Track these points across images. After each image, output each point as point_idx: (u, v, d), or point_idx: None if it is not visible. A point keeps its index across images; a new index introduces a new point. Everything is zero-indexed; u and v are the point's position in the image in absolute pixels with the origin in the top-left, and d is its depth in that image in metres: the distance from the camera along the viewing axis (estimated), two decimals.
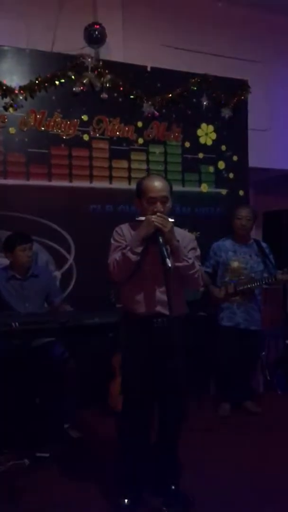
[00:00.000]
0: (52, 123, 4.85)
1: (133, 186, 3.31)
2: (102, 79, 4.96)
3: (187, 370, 3.06)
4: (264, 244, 5.04)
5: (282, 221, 5.84)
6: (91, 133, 5.00)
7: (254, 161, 5.78)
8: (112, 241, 3.12)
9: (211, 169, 5.55)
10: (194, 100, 5.44)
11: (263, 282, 4.81)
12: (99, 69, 4.95)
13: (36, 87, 4.74)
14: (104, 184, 5.07)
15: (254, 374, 5.28)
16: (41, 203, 4.78)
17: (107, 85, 4.99)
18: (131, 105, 5.14)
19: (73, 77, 4.87)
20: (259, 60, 6.06)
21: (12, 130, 4.70)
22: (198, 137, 5.49)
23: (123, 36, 5.44)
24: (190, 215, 5.35)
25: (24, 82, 4.72)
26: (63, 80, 4.84)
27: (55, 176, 4.87)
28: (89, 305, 4.39)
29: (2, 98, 4.65)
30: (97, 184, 5.04)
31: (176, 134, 5.37)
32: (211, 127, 5.53)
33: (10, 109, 4.68)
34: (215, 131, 5.54)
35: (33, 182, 4.79)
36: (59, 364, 4.00)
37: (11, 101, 4.66)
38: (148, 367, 3.01)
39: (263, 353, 5.45)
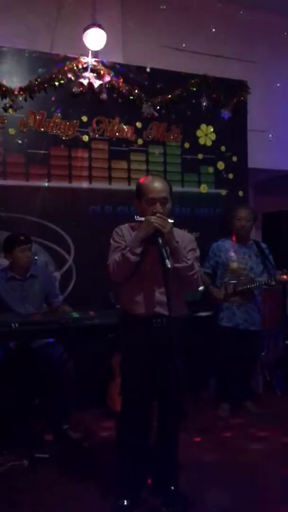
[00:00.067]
0: (52, 124, 4.86)
1: (133, 186, 3.31)
2: (101, 80, 4.97)
3: (187, 370, 3.06)
4: (263, 245, 5.05)
5: (281, 221, 5.85)
6: (91, 134, 5.01)
7: (253, 161, 5.78)
8: (112, 242, 3.12)
9: (211, 169, 5.56)
10: (194, 100, 5.45)
11: (263, 283, 4.81)
12: (98, 70, 4.95)
13: (35, 88, 4.75)
14: (103, 185, 5.08)
15: (254, 374, 5.28)
16: (41, 204, 4.78)
17: (107, 86, 5.00)
18: (130, 106, 5.14)
19: (72, 78, 4.88)
20: (259, 61, 6.05)
21: (11, 131, 4.71)
22: (198, 137, 5.50)
23: (123, 37, 5.43)
24: (189, 215, 5.35)
25: (23, 83, 4.73)
26: (62, 81, 4.85)
27: (55, 177, 4.88)
28: (89, 306, 4.40)
29: (2, 99, 4.66)
30: (96, 185, 5.04)
31: (176, 134, 5.38)
32: (210, 128, 5.54)
33: (10, 110, 4.69)
34: (214, 131, 5.55)
35: (32, 183, 4.79)
36: (58, 364, 4.00)
37: (11, 102, 4.67)
38: (148, 367, 3.01)
39: (263, 353, 5.45)
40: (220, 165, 5.59)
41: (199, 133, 5.50)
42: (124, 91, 5.08)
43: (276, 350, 5.71)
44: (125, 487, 3.08)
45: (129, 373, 3.09)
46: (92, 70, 4.94)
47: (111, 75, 5.01)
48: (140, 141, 5.22)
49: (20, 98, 4.70)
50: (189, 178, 5.45)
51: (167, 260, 2.84)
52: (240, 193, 5.67)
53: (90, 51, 5.03)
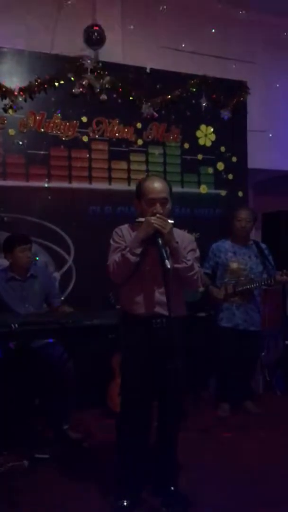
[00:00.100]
0: (52, 125, 4.86)
1: (133, 187, 3.31)
2: (101, 80, 4.98)
3: (187, 370, 3.07)
4: (263, 245, 5.05)
5: (281, 222, 5.85)
6: (91, 135, 5.01)
7: (253, 162, 5.79)
8: (112, 242, 3.12)
9: (210, 170, 5.56)
10: (193, 101, 5.45)
11: (262, 283, 4.81)
12: (98, 71, 4.96)
13: (35, 88, 4.75)
14: (103, 185, 5.08)
15: (254, 374, 5.28)
16: (41, 205, 4.79)
17: (106, 86, 5.01)
18: (130, 107, 5.15)
19: (72, 78, 4.88)
20: (258, 62, 6.06)
21: (11, 131, 4.71)
22: (197, 138, 5.50)
23: (122, 37, 5.44)
24: (189, 216, 5.36)
25: (23, 83, 4.73)
26: (62, 82, 4.85)
27: (55, 177, 4.88)
28: (89, 306, 4.40)
29: (2, 100, 4.67)
30: (96, 185, 5.05)
31: (175, 135, 5.38)
32: (210, 128, 5.54)
33: (10, 111, 4.69)
34: (214, 132, 5.55)
35: (32, 183, 4.80)
36: (58, 365, 4.00)
37: (11, 103, 4.67)
38: (148, 367, 3.02)
39: (263, 353, 5.45)
40: (220, 166, 5.59)
41: (198, 133, 5.50)
42: (124, 91, 5.09)
43: (276, 350, 5.72)
44: (125, 487, 3.09)
45: (129, 373, 3.09)
46: (92, 71, 4.94)
47: (111, 75, 5.01)
48: (140, 142, 5.22)
49: (20, 99, 4.71)
50: (189, 178, 5.45)
51: (166, 261, 2.84)
52: (240, 194, 5.67)
53: (90, 52, 5.04)
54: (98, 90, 4.98)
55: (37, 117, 4.80)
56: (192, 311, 4.36)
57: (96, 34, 5.06)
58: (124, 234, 3.11)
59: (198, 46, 5.74)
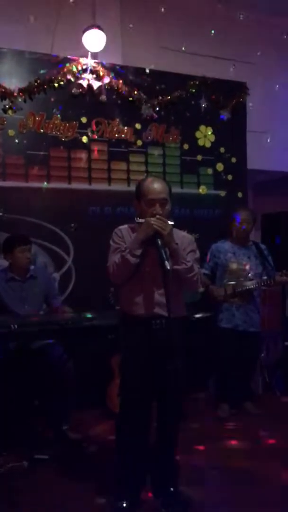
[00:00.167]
0: (51, 125, 4.86)
1: (132, 188, 3.32)
2: (101, 81, 4.98)
3: (187, 371, 3.07)
4: (262, 246, 5.05)
5: (280, 222, 5.85)
6: (90, 135, 5.02)
7: (252, 163, 5.79)
8: (112, 243, 3.12)
9: (210, 171, 5.56)
10: (193, 102, 5.46)
11: (262, 284, 4.82)
12: (98, 72, 4.96)
13: (35, 89, 4.76)
14: (103, 186, 5.09)
15: (253, 375, 5.28)
16: (40, 205, 4.79)
17: (106, 87, 5.01)
18: (129, 107, 5.15)
19: (72, 79, 4.89)
20: (258, 63, 6.07)
21: (11, 132, 4.72)
22: (197, 139, 5.51)
23: (122, 38, 5.44)
24: (188, 217, 5.36)
25: (23, 84, 4.74)
26: (62, 83, 4.86)
27: (54, 178, 4.88)
28: (88, 307, 4.40)
29: (1, 100, 4.68)
30: (96, 186, 5.05)
31: (175, 136, 5.39)
32: (209, 129, 5.55)
33: (9, 112, 4.70)
34: (213, 133, 5.56)
35: (32, 184, 4.80)
36: (58, 365, 4.00)
37: (10, 103, 4.69)
38: (148, 368, 3.02)
39: (262, 354, 5.46)
40: (219, 166, 5.59)
41: (198, 134, 5.51)
42: (123, 92, 5.10)
43: (275, 351, 5.72)
44: (125, 487, 3.08)
45: (129, 373, 3.09)
46: (92, 72, 4.95)
47: (110, 76, 5.03)
48: (139, 142, 5.23)
49: (20, 100, 4.71)
50: (188, 179, 5.46)
51: (166, 262, 2.84)
52: (239, 194, 5.68)
53: (89, 53, 5.05)
54: (97, 91, 4.98)
55: (37, 118, 4.81)
56: (192, 312, 4.37)
57: (95, 34, 5.07)
58: (124, 234, 3.10)
59: (198, 47, 5.75)
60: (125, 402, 3.10)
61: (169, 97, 5.29)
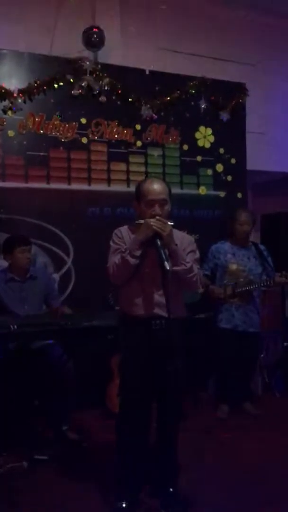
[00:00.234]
0: (51, 126, 4.87)
1: (132, 188, 3.32)
2: (100, 82, 4.98)
3: (186, 371, 3.07)
4: (262, 247, 5.05)
5: (280, 223, 5.85)
6: (90, 136, 5.02)
7: (252, 163, 5.80)
8: (111, 244, 3.13)
9: (209, 171, 5.57)
10: (192, 103, 5.46)
11: (262, 285, 4.82)
12: (97, 72, 4.97)
13: (34, 90, 4.76)
14: (102, 187, 5.09)
15: (253, 376, 5.28)
16: (40, 206, 4.80)
17: (106, 88, 5.01)
18: (129, 108, 5.15)
19: (71, 80, 4.89)
20: (257, 63, 6.08)
21: (11, 133, 4.72)
22: (196, 139, 5.51)
23: (122, 39, 5.46)
24: (188, 217, 5.37)
25: (22, 85, 4.74)
26: (61, 83, 4.85)
27: (54, 178, 4.89)
28: (88, 307, 4.41)
29: (1, 101, 4.67)
30: (95, 186, 5.05)
31: (174, 137, 5.39)
32: (209, 130, 5.55)
33: (9, 112, 4.70)
34: (213, 134, 5.56)
35: (31, 184, 4.80)
36: (58, 365, 4.01)
37: (10, 104, 4.68)
38: (148, 368, 3.02)
39: (262, 355, 5.46)
40: (219, 167, 5.60)
41: (197, 135, 5.51)
42: (123, 93, 5.09)
43: (275, 351, 5.72)
44: (125, 488, 3.09)
45: (128, 374, 3.09)
46: (91, 72, 4.94)
47: (110, 77, 5.02)
48: (139, 143, 5.23)
49: (20, 100, 4.71)
50: (188, 180, 5.47)
51: (166, 263, 2.84)
52: (239, 195, 5.68)
53: (89, 53, 5.05)
54: (97, 91, 4.98)
55: (36, 119, 4.81)
56: (191, 312, 4.37)
57: (95, 35, 5.09)
58: (124, 235, 3.11)
59: (197, 48, 5.77)
60: (125, 402, 3.10)
61: (168, 98, 5.30)
